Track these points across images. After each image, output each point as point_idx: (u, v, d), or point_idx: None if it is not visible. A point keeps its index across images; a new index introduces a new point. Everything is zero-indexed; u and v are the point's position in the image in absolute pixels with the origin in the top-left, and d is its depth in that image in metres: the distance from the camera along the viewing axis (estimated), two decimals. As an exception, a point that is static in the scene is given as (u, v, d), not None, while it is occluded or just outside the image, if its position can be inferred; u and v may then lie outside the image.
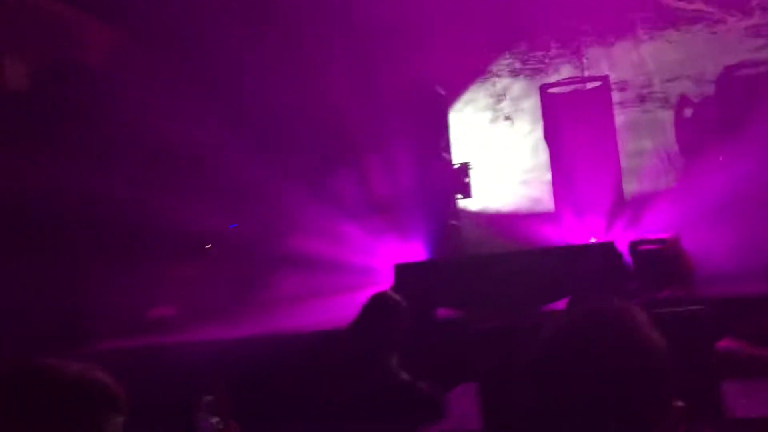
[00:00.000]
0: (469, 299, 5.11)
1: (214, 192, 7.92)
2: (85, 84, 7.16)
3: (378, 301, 3.67)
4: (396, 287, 5.39)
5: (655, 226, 6.46)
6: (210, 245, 8.54)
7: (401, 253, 7.73)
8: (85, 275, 6.53)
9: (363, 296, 3.71)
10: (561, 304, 4.85)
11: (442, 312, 5.35)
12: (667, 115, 8.88)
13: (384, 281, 6.39)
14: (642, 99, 9.02)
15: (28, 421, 1.19)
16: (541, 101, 8.79)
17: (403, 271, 5.59)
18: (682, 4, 9.04)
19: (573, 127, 8.25)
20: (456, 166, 8.69)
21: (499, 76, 9.50)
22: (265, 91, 8.23)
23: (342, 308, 5.27)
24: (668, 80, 8.97)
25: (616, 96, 8.81)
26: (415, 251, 7.78)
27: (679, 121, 8.58)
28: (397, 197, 8.09)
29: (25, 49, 7.28)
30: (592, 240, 7.43)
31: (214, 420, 1.41)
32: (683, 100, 8.71)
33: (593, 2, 9.12)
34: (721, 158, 6.75)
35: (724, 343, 3.23)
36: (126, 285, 6.87)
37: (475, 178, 8.83)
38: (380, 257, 7.69)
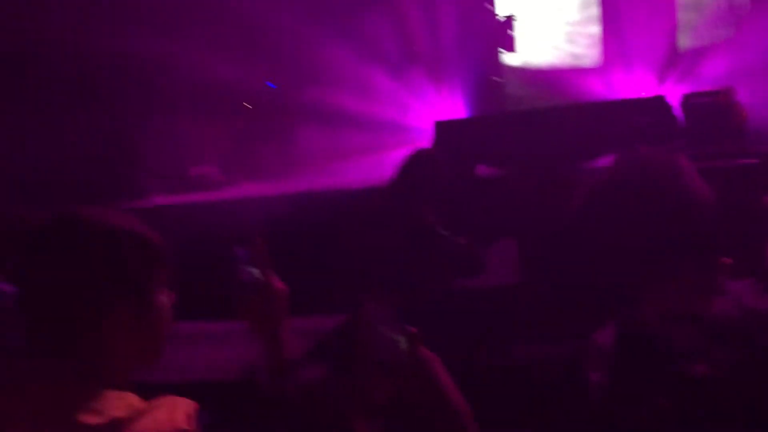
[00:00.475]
0: (511, 156, 4.99)
1: (250, 48, 7.72)
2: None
3: (417, 156, 3.61)
4: (436, 144, 5.30)
5: (709, 80, 6.15)
6: (247, 103, 8.45)
7: (441, 109, 7.55)
8: (131, 132, 6.56)
9: (401, 154, 3.65)
10: (606, 161, 4.72)
11: (483, 169, 5.26)
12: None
13: (423, 138, 6.29)
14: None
15: (69, 269, 1.18)
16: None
17: (443, 128, 5.46)
18: None
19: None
20: (500, 19, 8.28)
21: None
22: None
23: (379, 166, 5.22)
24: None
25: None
26: (455, 107, 7.59)
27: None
28: (436, 49, 7.79)
29: None
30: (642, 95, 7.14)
31: (254, 271, 1.39)
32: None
33: None
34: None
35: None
36: (168, 142, 6.91)
37: (519, 32, 8.43)
38: (419, 113, 7.53)
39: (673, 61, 7.44)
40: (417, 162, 3.57)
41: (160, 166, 6.69)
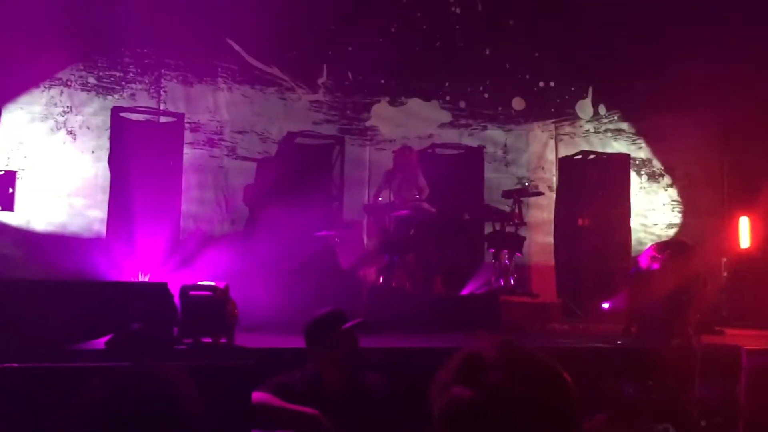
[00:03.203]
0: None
1: None
2: None
3: None
4: None
5: (207, 271, 6.60)
6: None
7: None
8: None
9: None
10: (101, 343, 4.56)
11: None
12: (232, 164, 9.29)
13: None
14: (212, 144, 9.27)
15: None
16: (112, 124, 8.40)
17: None
18: (261, 66, 9.65)
19: (141, 158, 8.04)
20: (0, 173, 7.69)
21: (68, 86, 8.78)
22: None
23: None
24: (238, 132, 9.42)
25: (188, 136, 8.90)
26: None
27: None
28: None
29: None
30: (142, 277, 7.25)
31: None
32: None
33: (181, 39, 9.15)
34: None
35: (258, 395, 3.42)
36: None
37: (22, 190, 7.92)
38: None
39: (176, 246, 7.83)
40: None
41: None
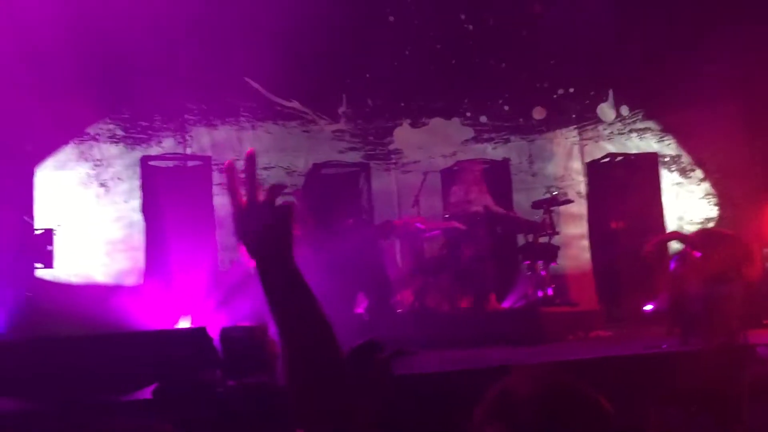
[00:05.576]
0: (40, 387, 4.56)
1: None
2: None
3: None
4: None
5: (246, 309, 6.66)
6: None
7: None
8: None
9: None
10: (147, 393, 4.63)
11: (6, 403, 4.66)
12: (262, 201, 9.39)
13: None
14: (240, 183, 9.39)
15: None
16: (141, 173, 8.58)
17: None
18: (281, 101, 9.80)
19: (172, 204, 8.18)
20: (39, 231, 7.89)
21: (97, 140, 9.01)
22: None
23: None
24: (264, 168, 9.54)
25: (216, 177, 9.04)
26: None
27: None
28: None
29: None
30: (184, 319, 7.36)
31: None
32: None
33: (200, 83, 9.34)
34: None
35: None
36: None
37: (59, 245, 8.11)
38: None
39: (213, 290, 7.92)
40: None
41: None
